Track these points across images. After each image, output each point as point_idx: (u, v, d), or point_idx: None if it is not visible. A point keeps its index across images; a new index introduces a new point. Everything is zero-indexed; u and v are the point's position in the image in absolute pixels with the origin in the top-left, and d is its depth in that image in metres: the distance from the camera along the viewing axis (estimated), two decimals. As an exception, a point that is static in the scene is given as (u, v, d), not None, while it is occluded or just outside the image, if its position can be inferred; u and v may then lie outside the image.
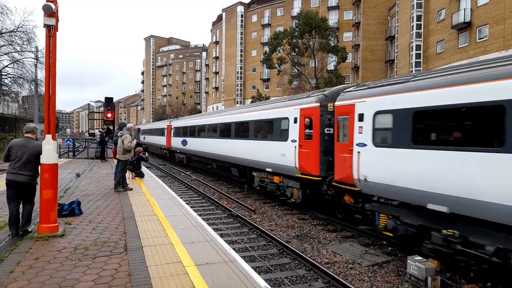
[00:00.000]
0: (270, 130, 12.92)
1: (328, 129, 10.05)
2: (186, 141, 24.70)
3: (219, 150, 17.98)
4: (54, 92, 6.35)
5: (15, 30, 28.95)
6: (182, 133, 26.22)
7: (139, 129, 50.94)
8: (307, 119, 10.60)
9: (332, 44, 39.42)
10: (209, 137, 20.07)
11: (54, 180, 6.32)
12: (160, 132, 34.81)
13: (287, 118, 11.62)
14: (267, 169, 12.81)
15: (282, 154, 11.65)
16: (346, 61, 43.94)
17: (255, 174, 14.24)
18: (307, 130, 10.59)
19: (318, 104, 10.27)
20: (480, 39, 30.03)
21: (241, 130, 15.68)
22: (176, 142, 27.47)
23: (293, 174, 11.16)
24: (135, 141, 11.49)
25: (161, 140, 33.84)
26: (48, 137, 6.23)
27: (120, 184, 11.36)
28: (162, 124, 35.04)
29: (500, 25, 27.82)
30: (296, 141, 10.93)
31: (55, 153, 6.33)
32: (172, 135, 29.19)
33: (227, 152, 16.80)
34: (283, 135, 11.81)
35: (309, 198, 11.47)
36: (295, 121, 11.08)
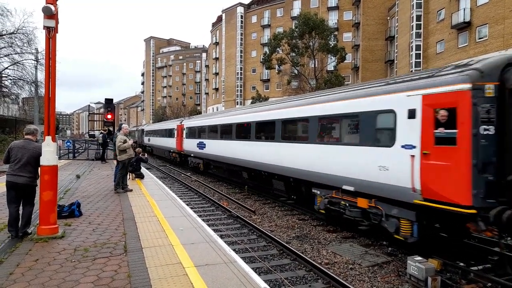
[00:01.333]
0: (353, 129, 9.12)
1: (487, 127, 6.17)
2: (204, 144, 20.49)
3: (254, 155, 14.02)
4: (54, 93, 6.36)
5: (15, 32, 29.00)
6: (198, 134, 22.15)
7: (142, 130, 47.26)
8: (442, 112, 6.55)
9: (332, 45, 39.44)
10: (238, 139, 15.95)
11: (54, 182, 6.32)
12: (168, 133, 30.83)
13: (391, 112, 7.67)
14: (346, 187, 8.88)
15: (380, 166, 7.82)
16: (346, 61, 44.01)
17: (317, 192, 10.21)
18: (440, 130, 6.59)
19: (468, 86, 6.12)
20: (480, 38, 30.03)
21: (294, 131, 12.11)
22: (190, 145, 23.40)
23: (406, 198, 7.15)
24: (130, 142, 11.48)
25: (169, 142, 29.80)
26: (48, 138, 6.24)
27: (120, 185, 11.37)
28: (171, 124, 30.70)
29: (499, 25, 27.82)
30: (415, 147, 6.98)
31: (55, 154, 6.34)
32: (184, 136, 25.04)
33: (268, 159, 12.92)
34: (382, 138, 8.03)
35: (428, 235, 7.74)
36: (412, 115, 7.11)
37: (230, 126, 17.23)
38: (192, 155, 23.56)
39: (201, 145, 21.01)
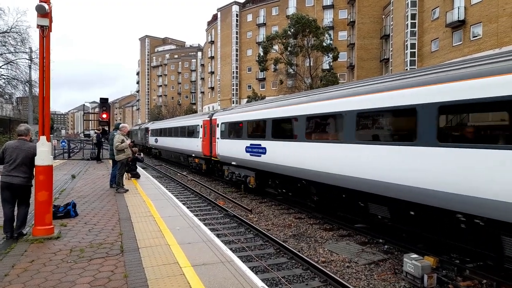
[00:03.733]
0: None
1: None
2: (261, 148, 13.09)
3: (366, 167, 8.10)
4: (48, 93, 6.31)
5: (9, 30, 28.72)
6: (248, 131, 14.47)
7: (146, 129, 40.17)
8: None
9: (325, 44, 39.54)
10: (345, 140, 8.86)
11: (49, 182, 6.27)
12: (186, 132, 23.87)
13: None
14: None
15: None
16: (342, 60, 44.12)
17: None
18: None
19: None
20: (474, 37, 30.21)
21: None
22: (231, 148, 15.97)
23: None
24: (127, 142, 11.42)
25: (189, 144, 22.79)
26: (43, 138, 6.18)
27: (121, 185, 11.30)
28: (191, 120, 23.40)
29: (493, 23, 28.00)
30: None
31: (49, 154, 6.29)
32: (219, 135, 17.61)
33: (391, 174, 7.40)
34: None
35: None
36: None
37: (331, 117, 9.64)
38: (233, 163, 15.78)
39: (255, 150, 13.41)
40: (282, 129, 12.20)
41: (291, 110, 11.38)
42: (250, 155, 13.85)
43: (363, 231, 9.41)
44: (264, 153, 12.80)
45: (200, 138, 20.54)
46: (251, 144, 13.89)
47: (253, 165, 13.72)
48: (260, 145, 13.14)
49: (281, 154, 11.76)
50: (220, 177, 19.49)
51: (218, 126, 17.79)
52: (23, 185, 6.13)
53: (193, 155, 22.20)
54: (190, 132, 23.05)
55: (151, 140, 36.75)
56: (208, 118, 19.58)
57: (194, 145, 21.70)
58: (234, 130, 16.02)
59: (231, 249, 7.05)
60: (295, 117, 11.14)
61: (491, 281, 6.06)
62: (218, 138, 17.60)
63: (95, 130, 23.18)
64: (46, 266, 4.98)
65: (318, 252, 8.02)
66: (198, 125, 21.20)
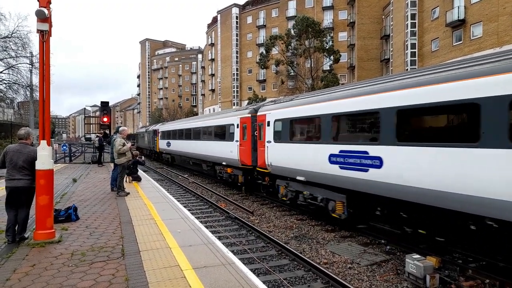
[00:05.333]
0: None
1: None
2: (370, 158, 7.99)
3: None
4: (48, 97, 6.32)
5: (10, 35, 28.88)
6: (335, 132, 9.43)
7: (155, 131, 35.32)
8: None
9: (327, 46, 39.65)
10: None
11: (50, 186, 6.28)
12: (213, 133, 18.94)
13: None
14: None
15: None
16: (342, 60, 44.18)
17: None
18: None
19: None
20: (474, 36, 30.19)
21: None
22: (295, 157, 11.13)
23: None
24: (128, 145, 11.44)
25: (219, 150, 17.61)
26: (43, 142, 6.20)
27: (122, 188, 11.32)
28: (222, 118, 17.96)
29: (493, 22, 27.98)
30: None
31: (50, 158, 6.30)
32: (270, 138, 12.70)
33: None
34: None
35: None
36: None
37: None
38: (299, 178, 10.74)
39: (354, 160, 8.49)
40: (436, 126, 7.01)
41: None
42: (341, 167, 8.79)
43: (365, 232, 9.38)
44: (378, 166, 7.69)
45: (236, 141, 15.47)
46: (342, 151, 8.83)
47: (347, 183, 8.66)
48: (366, 153, 7.99)
49: (425, 169, 6.59)
50: (266, 195, 14.55)
51: (268, 125, 12.74)
52: (28, 187, 6.17)
53: (224, 163, 17.05)
54: (219, 133, 18.02)
55: (162, 144, 31.54)
56: (249, 115, 14.69)
57: (225, 150, 16.66)
58: (302, 130, 11.22)
59: (232, 251, 7.04)
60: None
61: (494, 281, 6.03)
62: (268, 142, 12.62)
63: (97, 134, 23.13)
64: (47, 270, 4.98)
65: (320, 253, 7.99)
66: (233, 124, 16.06)
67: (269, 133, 12.71)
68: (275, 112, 12.56)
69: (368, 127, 8.42)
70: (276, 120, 12.35)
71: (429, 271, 5.94)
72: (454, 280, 6.28)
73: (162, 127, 33.14)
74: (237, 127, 15.61)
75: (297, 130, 11.40)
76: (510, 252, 6.18)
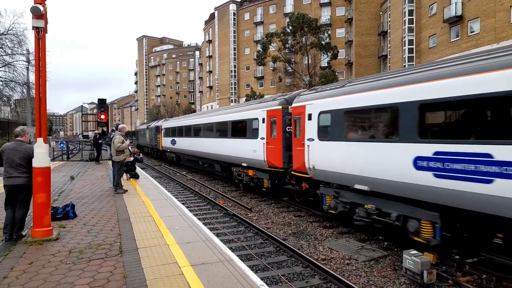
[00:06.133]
0: None
1: None
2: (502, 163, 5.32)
3: None
4: (44, 94, 6.29)
5: (5, 33, 28.64)
6: (427, 126, 6.98)
7: (157, 128, 32.90)
8: None
9: (324, 42, 39.57)
10: None
11: (47, 184, 6.26)
12: (230, 129, 16.39)
13: None
14: None
15: None
16: (340, 57, 44.13)
17: None
18: None
19: None
20: (471, 32, 30.21)
21: None
22: (348, 159, 8.64)
23: None
24: (127, 142, 11.42)
25: (239, 148, 15.10)
26: (40, 140, 6.17)
27: (120, 186, 11.31)
28: (244, 111, 15.29)
29: (491, 18, 28.00)
30: None
31: (47, 156, 6.28)
32: (312, 135, 10.14)
33: None
34: None
35: None
36: None
37: None
38: (358, 186, 8.35)
39: (465, 165, 5.88)
40: None
41: None
42: (436, 175, 6.39)
43: (362, 228, 9.40)
44: None
45: (262, 139, 13.14)
46: (439, 153, 6.33)
47: (446, 198, 6.28)
48: (489, 156, 5.54)
49: None
50: (301, 205, 12.28)
51: (309, 119, 10.29)
52: (25, 184, 6.16)
53: (244, 164, 14.68)
54: (238, 130, 15.56)
55: (166, 142, 29.27)
56: (279, 107, 12.36)
57: (247, 149, 14.27)
58: (364, 124, 8.71)
59: (230, 248, 7.05)
60: None
61: (491, 276, 6.06)
62: (310, 140, 10.17)
63: (95, 131, 22.95)
64: (45, 267, 4.97)
65: (318, 249, 8.02)
66: (257, 118, 13.66)
67: (310, 128, 10.17)
68: (321, 102, 9.85)
69: (495, 120, 5.92)
70: (322, 113, 9.68)
71: (426, 267, 5.96)
72: (451, 276, 6.31)
73: (166, 124, 30.66)
74: (263, 122, 13.18)
75: (357, 125, 8.86)
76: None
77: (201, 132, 20.72)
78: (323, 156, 9.63)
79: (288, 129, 12.03)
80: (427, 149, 6.52)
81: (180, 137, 25.18)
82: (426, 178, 6.50)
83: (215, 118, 18.65)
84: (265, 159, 12.94)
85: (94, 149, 23.52)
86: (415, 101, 6.74)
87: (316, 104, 10.04)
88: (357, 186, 8.31)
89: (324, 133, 9.60)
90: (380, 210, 7.90)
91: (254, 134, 13.79)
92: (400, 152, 7.09)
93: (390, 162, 7.35)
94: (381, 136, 7.85)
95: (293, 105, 11.47)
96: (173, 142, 27.07)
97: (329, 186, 9.74)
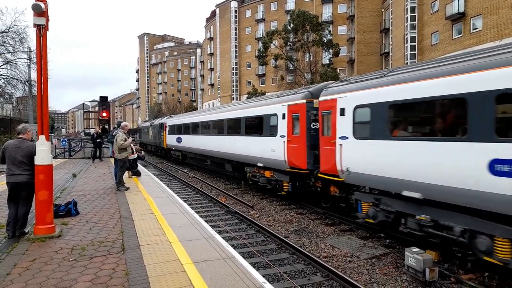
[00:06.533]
0: None
1: None
2: None
3: None
4: (46, 92, 6.29)
5: (7, 30, 28.67)
6: None
7: (161, 125, 31.66)
8: None
9: (325, 39, 39.47)
10: None
11: (49, 181, 6.27)
12: (244, 126, 15.07)
13: None
14: None
15: None
16: (341, 54, 44.07)
17: None
18: None
19: None
20: (474, 29, 30.06)
21: None
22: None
23: None
24: (130, 140, 11.43)
25: (255, 147, 13.89)
26: (42, 137, 6.18)
27: (122, 183, 11.32)
28: (260, 106, 13.98)
29: (493, 15, 27.84)
30: None
31: (49, 153, 6.29)
32: (347, 133, 8.84)
33: None
34: None
35: None
36: None
37: None
38: (410, 195, 6.98)
39: None
40: None
41: None
42: None
43: (364, 226, 9.40)
44: None
45: (282, 137, 11.92)
46: None
47: None
48: None
49: None
50: (328, 211, 11.04)
51: (342, 114, 8.97)
52: (28, 182, 6.18)
53: (260, 164, 13.45)
54: (253, 126, 14.35)
55: (171, 140, 28.27)
56: (303, 101, 11.01)
57: (264, 148, 13.04)
58: (416, 120, 7.36)
59: (232, 245, 7.06)
60: None
61: (493, 274, 6.05)
62: (343, 138, 8.88)
63: (96, 129, 22.87)
64: (47, 264, 4.99)
65: (319, 247, 8.02)
66: (275, 114, 12.43)
67: (343, 125, 8.89)
68: (357, 95, 8.52)
69: None
70: (358, 107, 8.40)
71: (428, 265, 5.96)
72: (453, 273, 6.30)
73: (171, 121, 29.40)
74: (283, 118, 11.94)
75: (406, 121, 7.51)
76: None
77: (210, 129, 19.46)
78: (360, 157, 8.30)
79: (314, 125, 10.81)
80: (509, 150, 5.24)
81: (187, 134, 24.12)
82: (507, 186, 5.22)
83: (226, 115, 17.36)
84: (286, 159, 11.65)
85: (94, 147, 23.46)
86: (492, 91, 5.49)
87: (351, 97, 8.70)
88: (406, 193, 7.05)
89: (362, 131, 8.30)
90: (436, 222, 6.61)
91: (273, 131, 12.62)
92: (469, 153, 5.82)
93: (454, 165, 6.04)
94: (441, 134, 6.51)
95: (321, 98, 10.15)
96: (179, 140, 26.03)
97: (367, 192, 8.47)
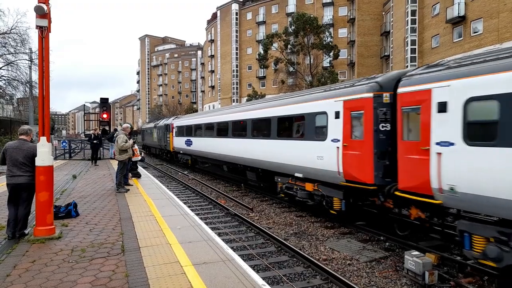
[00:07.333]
0: None
1: None
2: None
3: None
4: (47, 93, 6.31)
5: (9, 32, 28.74)
6: None
7: (167, 126, 28.93)
8: None
9: (325, 42, 39.58)
10: None
11: (50, 182, 6.28)
12: (276, 128, 12.42)
13: None
14: None
15: None
16: (342, 57, 44.20)
17: None
18: None
19: None
20: (474, 33, 30.13)
21: None
22: None
23: None
24: (131, 141, 11.45)
25: (287, 153, 11.50)
26: (43, 139, 6.20)
27: (122, 185, 11.33)
28: (301, 102, 11.05)
29: (494, 19, 27.91)
30: None
31: (50, 155, 6.30)
32: (468, 136, 5.90)
33: None
34: None
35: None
36: None
37: None
38: None
39: None
40: None
41: None
42: None
43: (364, 229, 9.40)
44: None
45: (335, 141, 9.31)
46: None
47: None
48: None
49: None
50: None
51: (441, 111, 6.45)
52: (29, 183, 6.19)
53: (299, 174, 10.92)
54: (292, 128, 11.75)
55: (178, 142, 25.69)
56: (370, 94, 8.28)
57: (306, 155, 10.46)
58: None
59: (232, 247, 7.05)
60: None
61: (493, 277, 6.05)
62: (444, 145, 6.34)
63: (93, 131, 22.73)
64: (47, 266, 4.99)
65: (319, 250, 8.02)
66: (325, 112, 9.79)
67: (444, 126, 6.36)
68: (470, 82, 5.96)
69: None
70: (472, 100, 5.89)
71: (428, 268, 5.96)
72: (453, 277, 6.30)
73: (179, 121, 26.68)
74: (336, 117, 9.29)
75: None
76: None
77: (229, 130, 16.73)
78: (477, 171, 5.72)
79: (383, 127, 8.21)
80: None
81: (199, 137, 21.27)
82: None
83: (250, 114, 14.68)
84: (340, 170, 9.01)
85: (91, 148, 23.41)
86: None
87: (460, 86, 6.12)
88: None
89: (481, 133, 5.86)
90: None
91: (320, 134, 9.99)
92: None
93: None
94: None
95: (402, 90, 7.46)
96: (189, 143, 23.00)
97: (483, 220, 6.29)
